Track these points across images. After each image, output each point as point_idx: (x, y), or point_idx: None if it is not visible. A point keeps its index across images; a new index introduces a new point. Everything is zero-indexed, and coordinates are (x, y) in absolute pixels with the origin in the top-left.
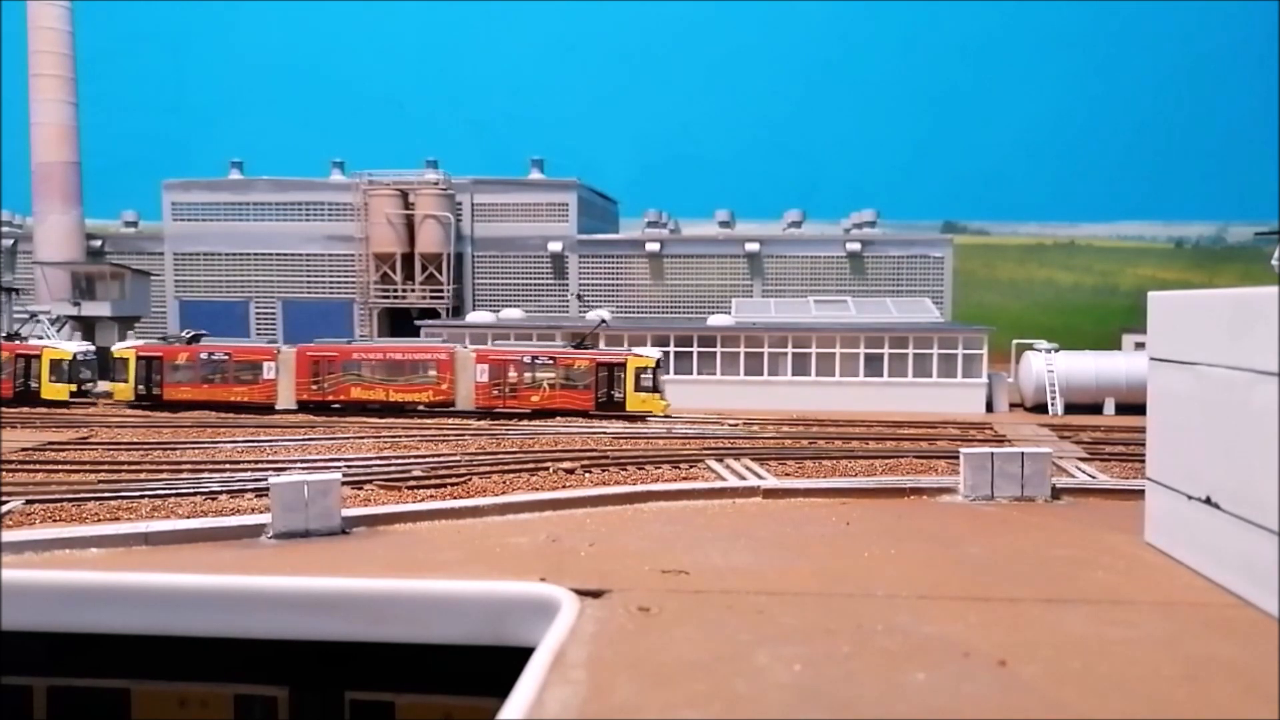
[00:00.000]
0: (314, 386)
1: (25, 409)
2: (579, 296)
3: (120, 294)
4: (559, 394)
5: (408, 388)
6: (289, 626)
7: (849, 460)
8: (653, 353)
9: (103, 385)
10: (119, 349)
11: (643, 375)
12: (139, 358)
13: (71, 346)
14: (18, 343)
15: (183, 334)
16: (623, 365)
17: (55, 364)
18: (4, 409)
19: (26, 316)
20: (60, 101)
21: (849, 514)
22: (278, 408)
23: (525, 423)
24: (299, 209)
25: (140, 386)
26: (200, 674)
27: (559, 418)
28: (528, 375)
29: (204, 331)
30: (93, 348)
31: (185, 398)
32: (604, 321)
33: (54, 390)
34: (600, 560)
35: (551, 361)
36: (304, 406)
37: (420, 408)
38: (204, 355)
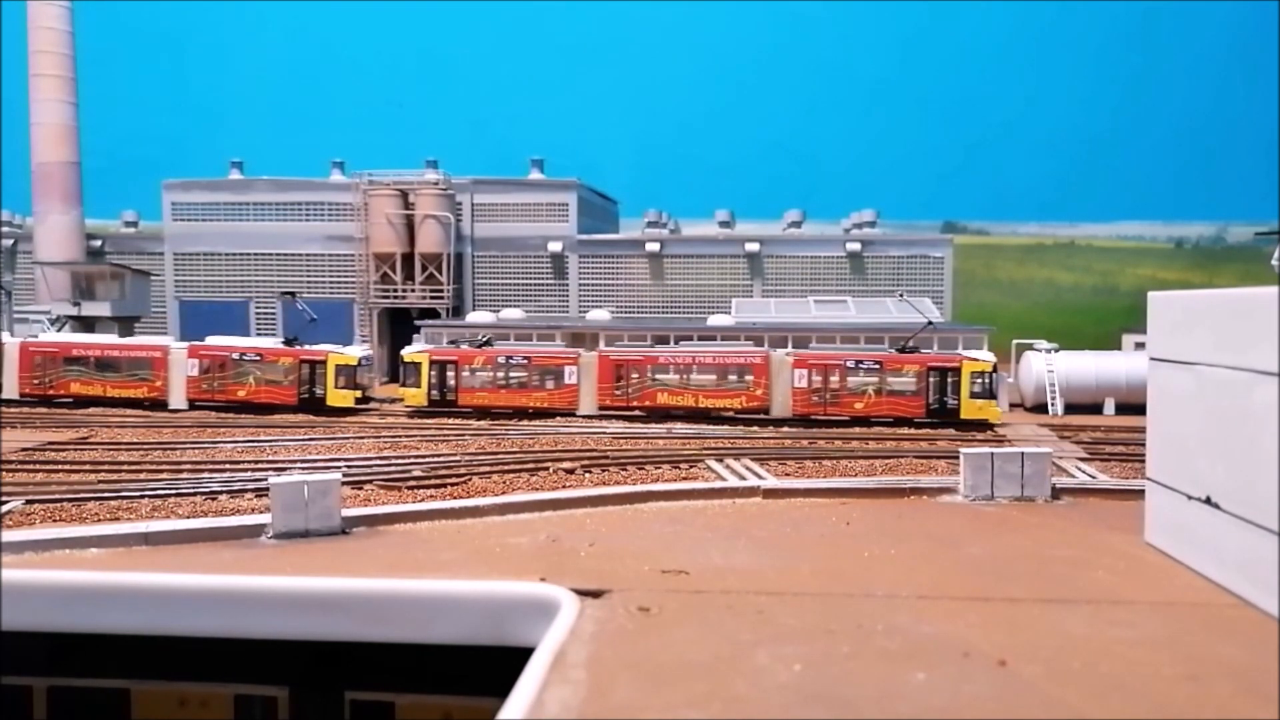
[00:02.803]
0: (617, 392)
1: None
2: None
3: (120, 294)
4: (884, 400)
5: (718, 393)
6: (289, 626)
7: (849, 460)
8: (987, 356)
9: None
10: (410, 353)
11: (979, 380)
12: (433, 362)
13: (356, 351)
14: (300, 348)
15: (479, 337)
16: (957, 369)
17: (341, 369)
18: (5, 409)
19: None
20: (60, 101)
21: (849, 514)
22: (579, 413)
23: (525, 423)
24: (299, 209)
25: (434, 392)
26: (200, 674)
27: (875, 425)
28: (851, 380)
29: (488, 335)
30: (371, 351)
31: (482, 403)
32: (931, 323)
33: (339, 397)
34: (600, 560)
35: (877, 366)
36: (606, 411)
37: (730, 414)
38: (501, 359)
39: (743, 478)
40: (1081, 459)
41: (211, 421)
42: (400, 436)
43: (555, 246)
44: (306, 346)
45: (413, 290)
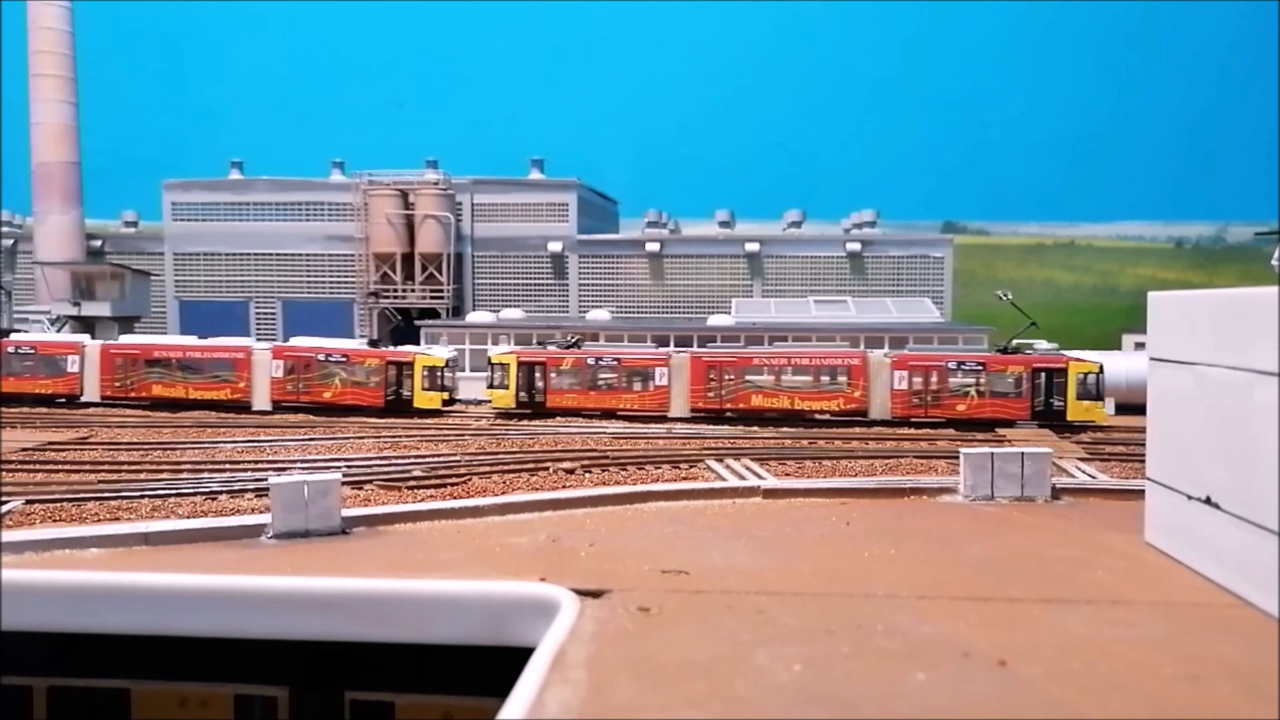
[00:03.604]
0: (709, 394)
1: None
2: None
3: (120, 294)
4: (988, 402)
5: (815, 395)
6: (289, 626)
7: (849, 460)
8: (1092, 357)
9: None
10: (498, 354)
11: (1085, 381)
12: (520, 363)
13: (443, 352)
14: (386, 349)
15: (568, 338)
16: (1064, 371)
17: (429, 371)
18: (5, 409)
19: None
20: (60, 101)
21: (849, 514)
22: (671, 415)
23: (525, 423)
24: (299, 209)
25: (521, 394)
26: (200, 674)
27: (976, 429)
28: (952, 382)
29: (577, 336)
30: (456, 353)
31: (570, 405)
32: (1034, 324)
33: (427, 399)
34: (600, 560)
35: (980, 367)
36: (697, 414)
37: (825, 417)
38: (590, 360)
39: (743, 478)
40: (1081, 459)
41: (211, 421)
42: (400, 436)
43: (555, 246)
44: (395, 348)
45: (413, 290)
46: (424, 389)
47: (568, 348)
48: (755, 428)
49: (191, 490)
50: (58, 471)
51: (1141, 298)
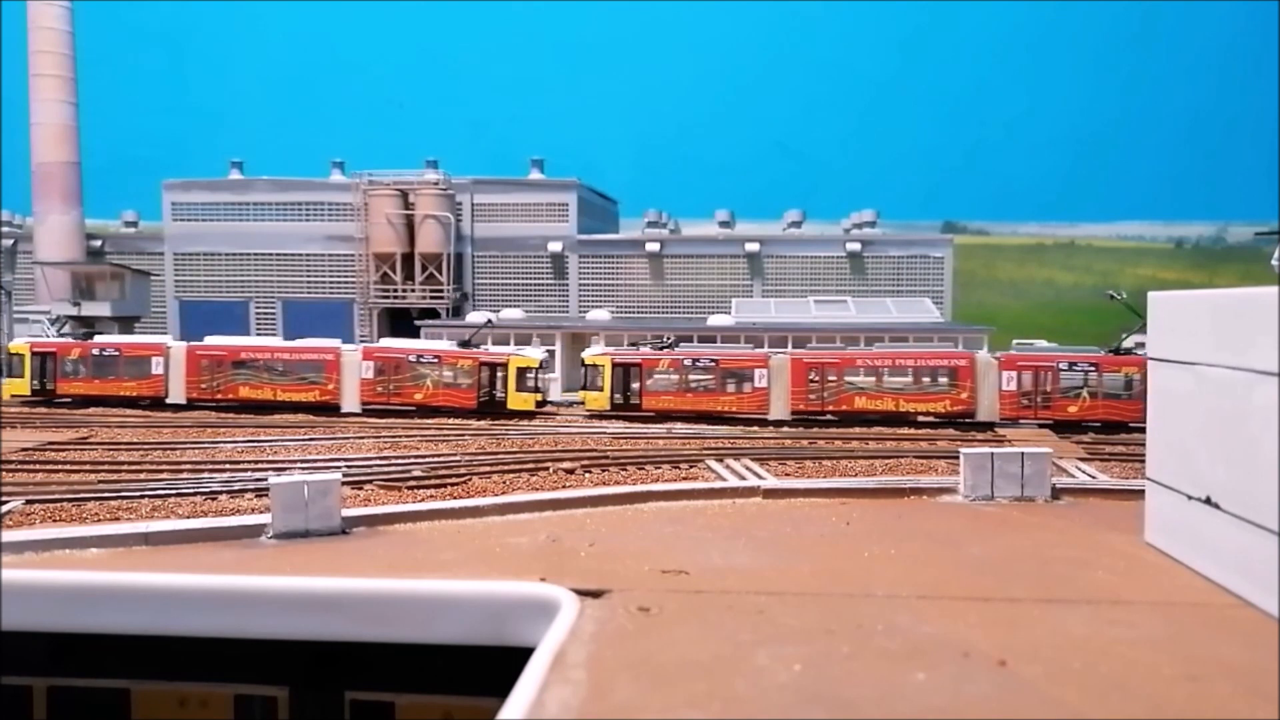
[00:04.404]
0: (810, 396)
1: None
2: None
3: (120, 294)
4: (1100, 404)
5: (920, 397)
6: (289, 626)
7: (849, 460)
8: None
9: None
10: (591, 355)
11: None
12: (615, 365)
13: (536, 353)
14: (479, 350)
15: (663, 338)
16: None
17: (522, 372)
18: (5, 409)
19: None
20: (60, 101)
21: (849, 514)
22: (770, 418)
23: (525, 423)
24: (299, 209)
25: (616, 395)
26: (200, 674)
27: (1074, 432)
28: (1063, 382)
29: (674, 337)
30: (546, 354)
31: (666, 407)
32: (1144, 324)
33: (521, 400)
34: (600, 560)
35: (1092, 368)
36: (798, 417)
37: (926, 418)
38: (687, 361)
39: (743, 478)
40: (1081, 459)
41: (211, 421)
42: (400, 436)
43: (555, 246)
44: (489, 349)
45: (413, 290)
46: (518, 390)
47: (662, 348)
48: (755, 428)
49: (191, 490)
50: (58, 471)
51: (1141, 298)
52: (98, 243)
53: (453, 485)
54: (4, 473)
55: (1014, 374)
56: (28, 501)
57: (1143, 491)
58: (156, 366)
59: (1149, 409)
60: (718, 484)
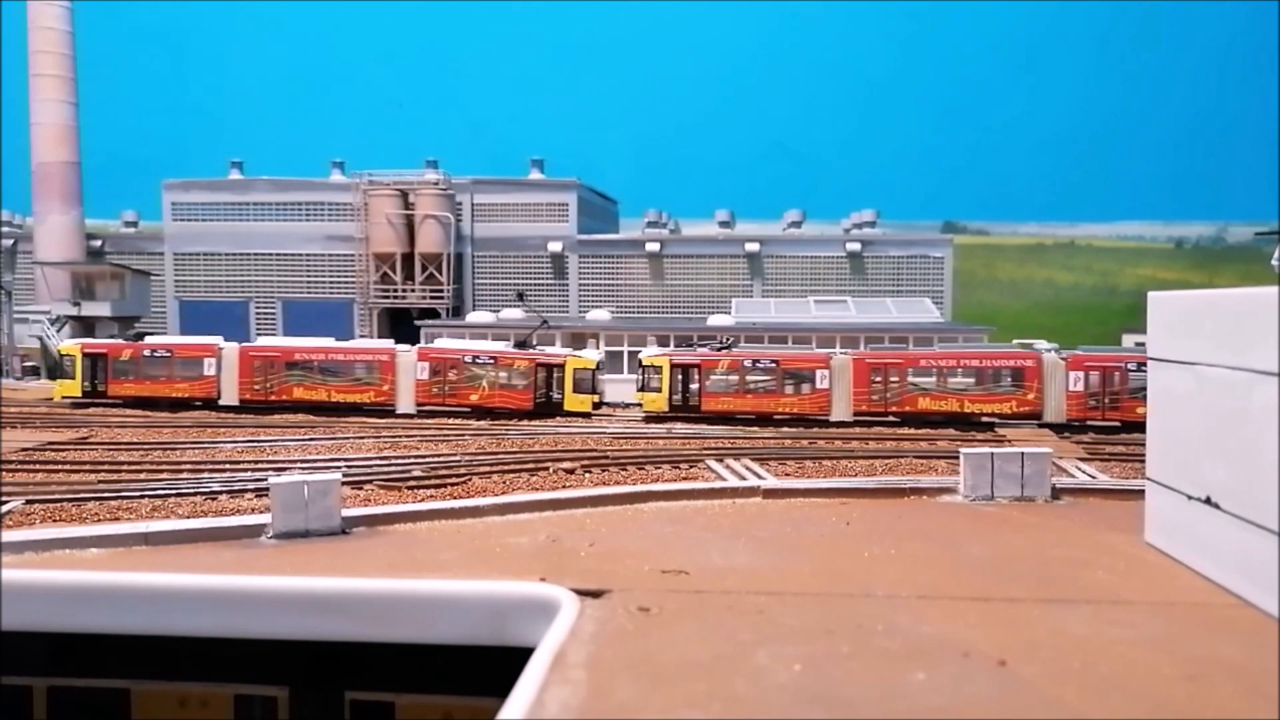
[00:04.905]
0: (874, 397)
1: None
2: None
3: (120, 294)
4: None
5: (985, 398)
6: (289, 626)
7: (849, 460)
8: None
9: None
10: (649, 356)
11: None
12: (674, 366)
13: (593, 355)
14: (535, 351)
15: (723, 340)
16: None
17: (579, 373)
18: (5, 409)
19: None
20: (60, 101)
21: (849, 514)
22: (832, 419)
23: (525, 423)
24: (299, 209)
25: (675, 397)
26: (200, 674)
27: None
28: (1133, 383)
29: (731, 338)
30: (603, 355)
31: (726, 409)
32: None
33: (578, 402)
34: (600, 560)
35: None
36: (860, 418)
37: (991, 419)
38: (747, 362)
39: (743, 478)
40: (1081, 459)
41: (211, 421)
42: (400, 436)
43: (555, 246)
44: (545, 349)
45: (413, 290)
46: (575, 391)
47: (720, 349)
48: (755, 428)
49: (191, 490)
50: (58, 471)
51: (1141, 298)
52: (98, 243)
53: (453, 485)
54: (4, 473)
55: (1081, 374)
56: (28, 501)
57: (1143, 491)
58: (209, 368)
59: (1149, 409)
60: (718, 484)
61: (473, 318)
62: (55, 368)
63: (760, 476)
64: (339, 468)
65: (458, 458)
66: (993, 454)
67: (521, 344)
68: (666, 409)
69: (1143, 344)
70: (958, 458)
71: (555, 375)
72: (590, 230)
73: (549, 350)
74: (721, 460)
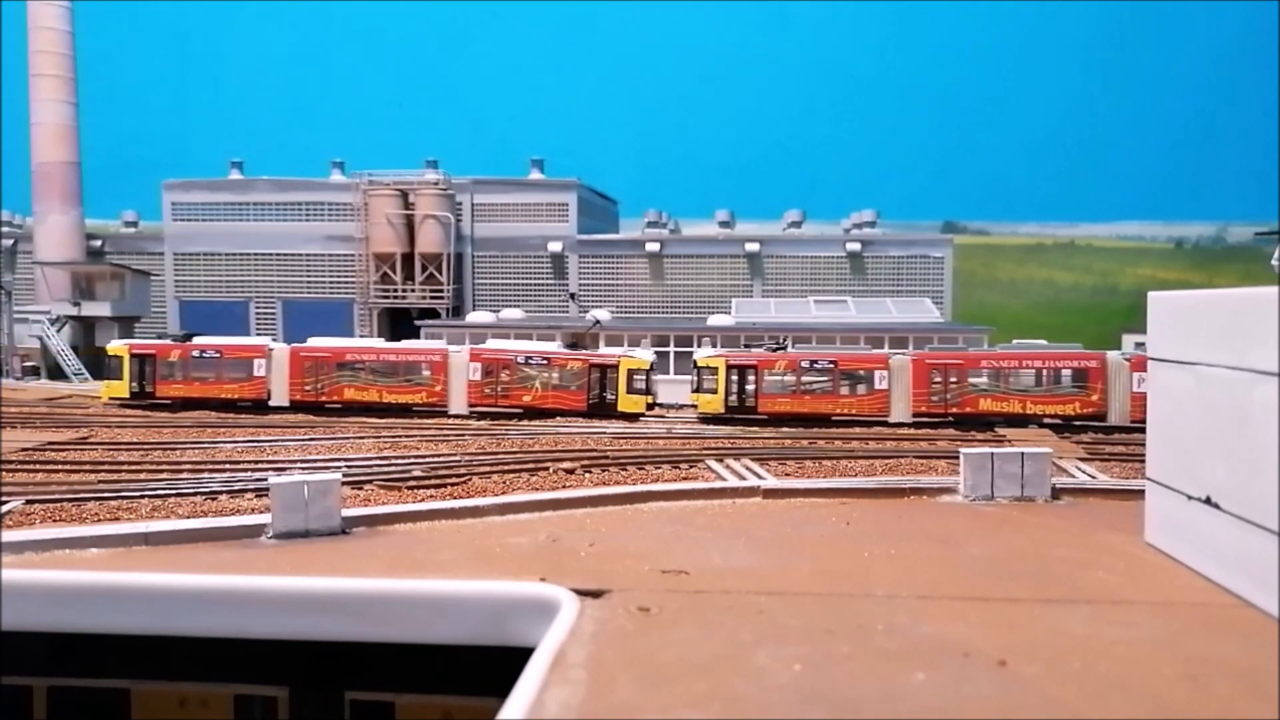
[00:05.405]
0: (933, 398)
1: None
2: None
3: (120, 294)
4: None
5: (1048, 399)
6: (289, 626)
7: (849, 460)
8: None
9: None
10: (704, 357)
11: None
12: (729, 366)
13: (647, 355)
14: (588, 351)
15: (776, 340)
16: None
17: (633, 374)
18: (4, 408)
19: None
20: (60, 101)
21: (849, 514)
22: (891, 420)
23: (524, 423)
24: (299, 209)
25: (731, 398)
26: (200, 674)
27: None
28: None
29: (785, 338)
30: (655, 356)
31: (782, 410)
32: None
33: (631, 402)
34: (600, 560)
35: None
36: (920, 419)
37: (1053, 420)
38: (804, 363)
39: (743, 478)
40: (1081, 459)
41: (211, 421)
42: (400, 436)
43: (555, 246)
44: (601, 350)
45: (413, 290)
46: (629, 392)
47: (774, 350)
48: (755, 428)
49: (191, 490)
50: (58, 471)
51: (1141, 298)
52: (98, 243)
53: (453, 485)
54: (4, 473)
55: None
56: (28, 501)
57: (1143, 491)
58: (259, 368)
59: (1149, 409)
60: (718, 484)
61: (473, 318)
62: (56, 368)
63: (760, 476)
64: (339, 468)
65: (458, 458)
66: (993, 454)
67: (573, 344)
68: (723, 410)
69: (1143, 344)
70: (958, 458)
71: (609, 376)
72: (590, 230)
73: (601, 350)
74: (721, 460)
